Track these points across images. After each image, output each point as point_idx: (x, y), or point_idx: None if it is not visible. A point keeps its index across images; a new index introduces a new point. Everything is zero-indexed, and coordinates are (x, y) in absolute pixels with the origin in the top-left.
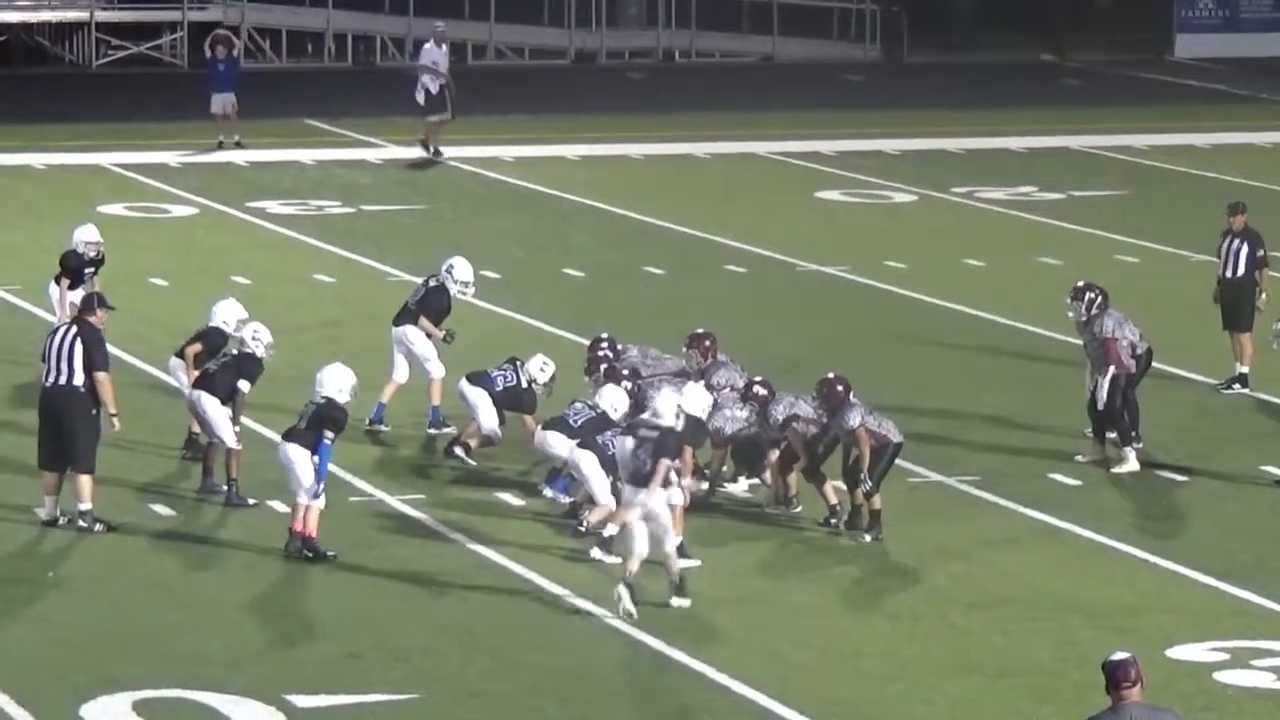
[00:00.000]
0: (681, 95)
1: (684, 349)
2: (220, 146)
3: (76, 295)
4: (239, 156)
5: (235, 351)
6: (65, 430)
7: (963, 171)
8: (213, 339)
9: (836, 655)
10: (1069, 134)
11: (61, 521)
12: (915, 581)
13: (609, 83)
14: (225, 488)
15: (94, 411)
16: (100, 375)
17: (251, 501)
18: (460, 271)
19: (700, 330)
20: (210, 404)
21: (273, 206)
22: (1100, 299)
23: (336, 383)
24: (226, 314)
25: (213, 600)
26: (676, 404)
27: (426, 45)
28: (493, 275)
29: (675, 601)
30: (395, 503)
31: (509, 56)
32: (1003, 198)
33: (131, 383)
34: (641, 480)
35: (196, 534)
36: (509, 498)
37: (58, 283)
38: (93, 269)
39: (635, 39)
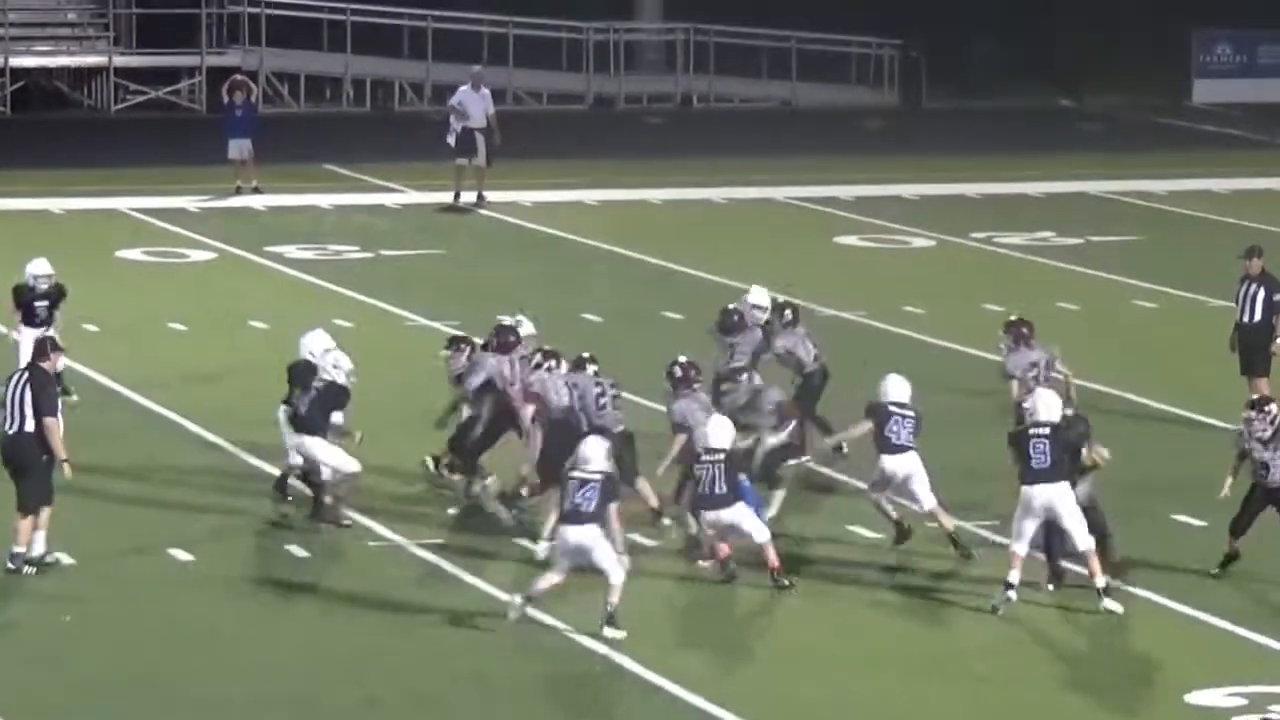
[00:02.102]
0: (700, 140)
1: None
2: (238, 191)
3: (36, 331)
4: (257, 201)
5: (319, 384)
6: (20, 477)
7: (981, 217)
8: (302, 375)
9: (856, 707)
10: (1087, 179)
11: (50, 560)
12: (931, 624)
13: (628, 127)
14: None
15: (45, 457)
16: (48, 421)
17: (346, 523)
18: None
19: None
20: (315, 444)
21: (291, 251)
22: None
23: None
24: (312, 344)
25: (231, 644)
26: (605, 448)
27: (462, 88)
28: (510, 320)
29: (608, 631)
30: (414, 548)
31: (527, 101)
32: (1021, 243)
33: (148, 427)
34: (580, 519)
35: (215, 577)
36: (527, 543)
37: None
38: (46, 302)
39: (654, 84)
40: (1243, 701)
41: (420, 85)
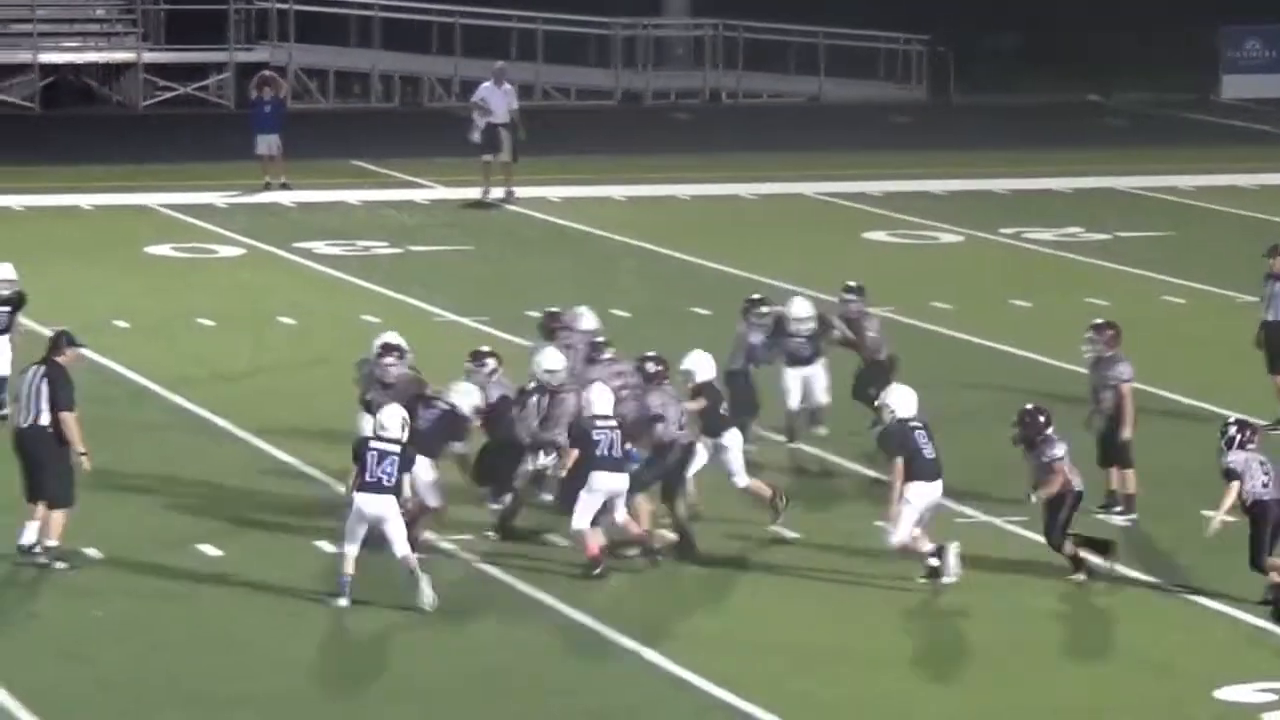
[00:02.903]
0: (728, 136)
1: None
2: (267, 187)
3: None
4: (285, 197)
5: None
6: (35, 469)
7: (1009, 212)
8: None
9: (881, 704)
10: (1115, 175)
11: (37, 552)
12: (960, 620)
13: (656, 123)
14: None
15: (63, 449)
16: (65, 415)
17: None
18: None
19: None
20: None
21: (319, 247)
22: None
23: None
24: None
25: (257, 642)
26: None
27: (485, 84)
28: (539, 316)
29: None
30: (444, 544)
31: (556, 97)
32: (1049, 238)
33: (177, 424)
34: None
35: (243, 576)
36: (556, 539)
37: None
38: (7, 307)
39: (682, 79)
40: (1273, 697)
41: (448, 81)
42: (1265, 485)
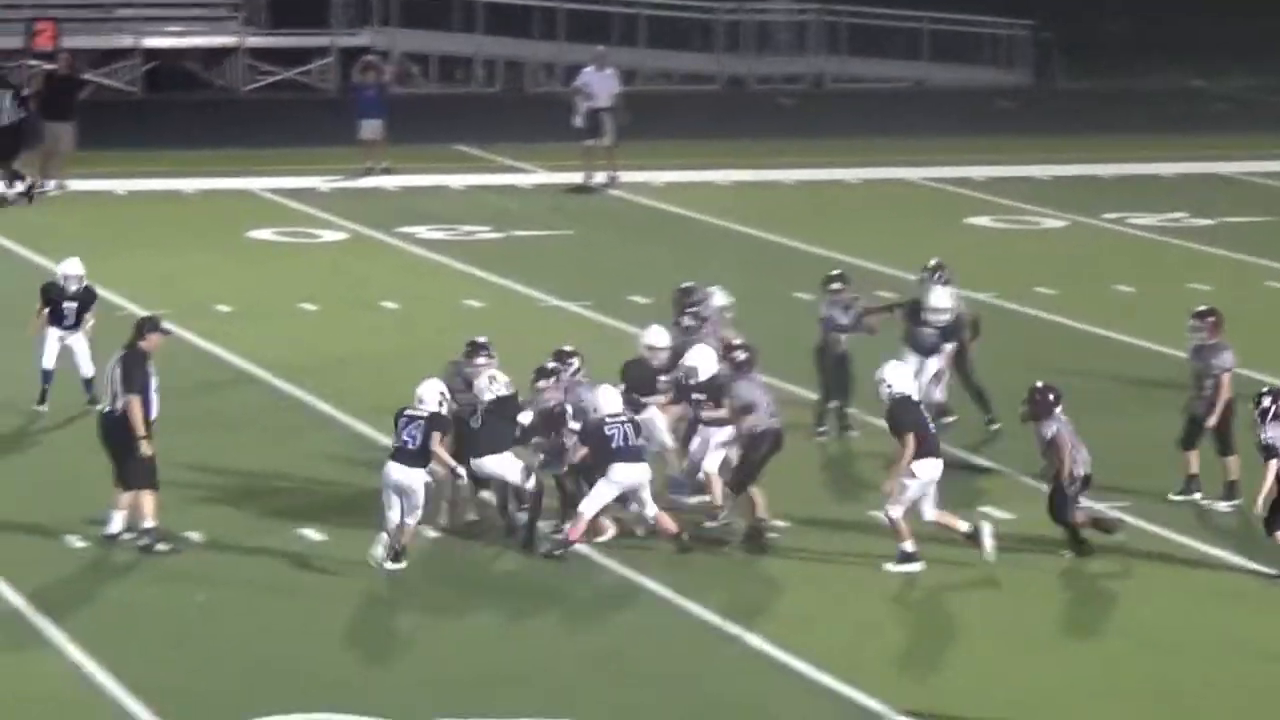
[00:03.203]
0: (832, 121)
1: None
2: (369, 172)
3: (65, 331)
4: (388, 182)
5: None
6: (118, 454)
7: (1113, 197)
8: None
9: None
10: (1220, 160)
11: (128, 537)
12: (1063, 606)
13: (759, 108)
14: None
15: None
16: (130, 398)
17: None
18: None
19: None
20: (493, 462)
21: (422, 232)
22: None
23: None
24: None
25: (361, 625)
26: (439, 390)
27: (587, 68)
28: (642, 300)
29: (389, 565)
30: (542, 525)
31: (658, 82)
32: (1153, 223)
33: (279, 408)
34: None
35: (345, 559)
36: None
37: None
38: (75, 303)
39: (786, 65)
40: None
41: (551, 66)
42: None
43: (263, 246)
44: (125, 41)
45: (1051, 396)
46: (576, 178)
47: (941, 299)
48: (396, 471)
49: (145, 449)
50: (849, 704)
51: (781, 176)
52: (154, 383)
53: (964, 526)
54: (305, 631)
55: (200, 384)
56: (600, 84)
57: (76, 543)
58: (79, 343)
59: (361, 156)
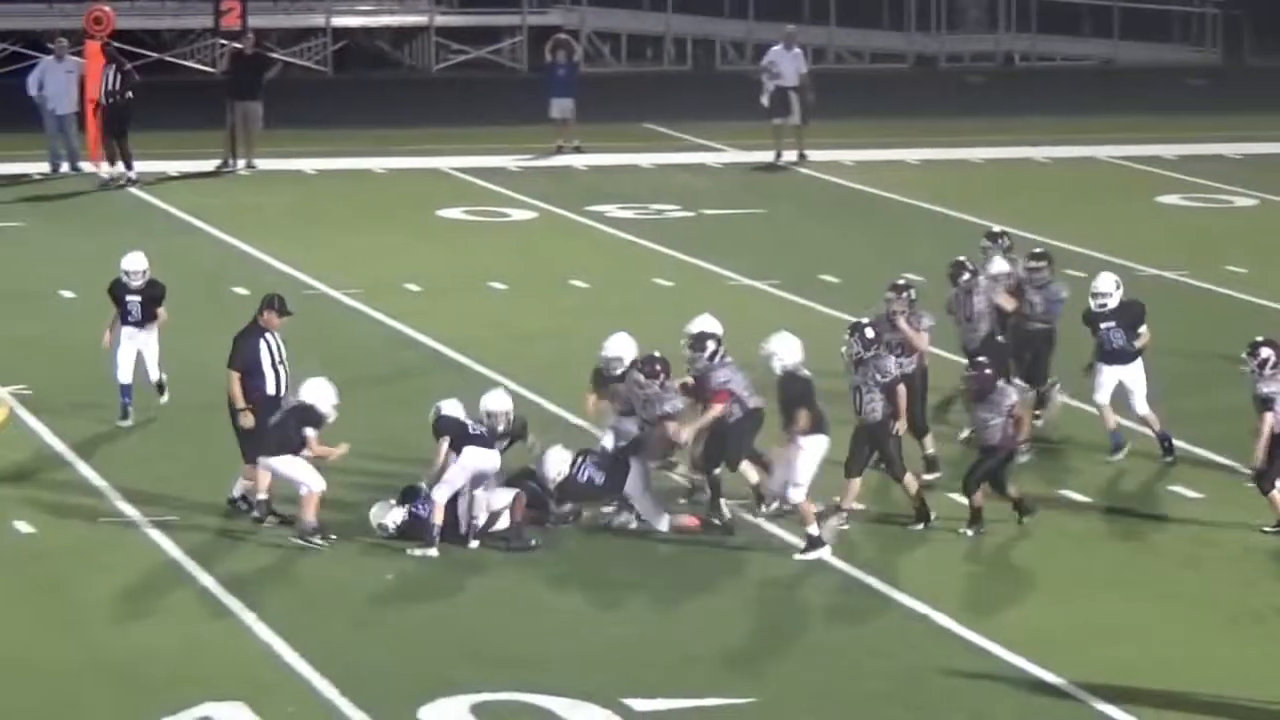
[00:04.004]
0: (1022, 99)
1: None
2: (559, 151)
3: (135, 330)
4: (578, 160)
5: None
6: (239, 430)
7: None
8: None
9: (1168, 668)
10: None
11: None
12: (1250, 586)
13: (949, 86)
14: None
15: (262, 407)
16: (229, 372)
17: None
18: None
19: None
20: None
21: (612, 210)
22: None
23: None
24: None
25: (549, 604)
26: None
27: (775, 47)
28: (832, 279)
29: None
30: (724, 505)
31: (849, 60)
32: None
33: (469, 387)
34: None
35: (533, 538)
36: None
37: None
38: (139, 298)
39: (976, 43)
40: None
41: (741, 44)
42: None
43: (452, 225)
44: (315, 21)
45: (989, 372)
46: (766, 156)
47: (1002, 267)
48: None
49: (244, 421)
50: (1033, 680)
51: (970, 155)
52: (273, 358)
53: (812, 520)
54: (491, 611)
55: (388, 363)
56: (787, 63)
57: (265, 523)
58: (149, 345)
59: (552, 135)
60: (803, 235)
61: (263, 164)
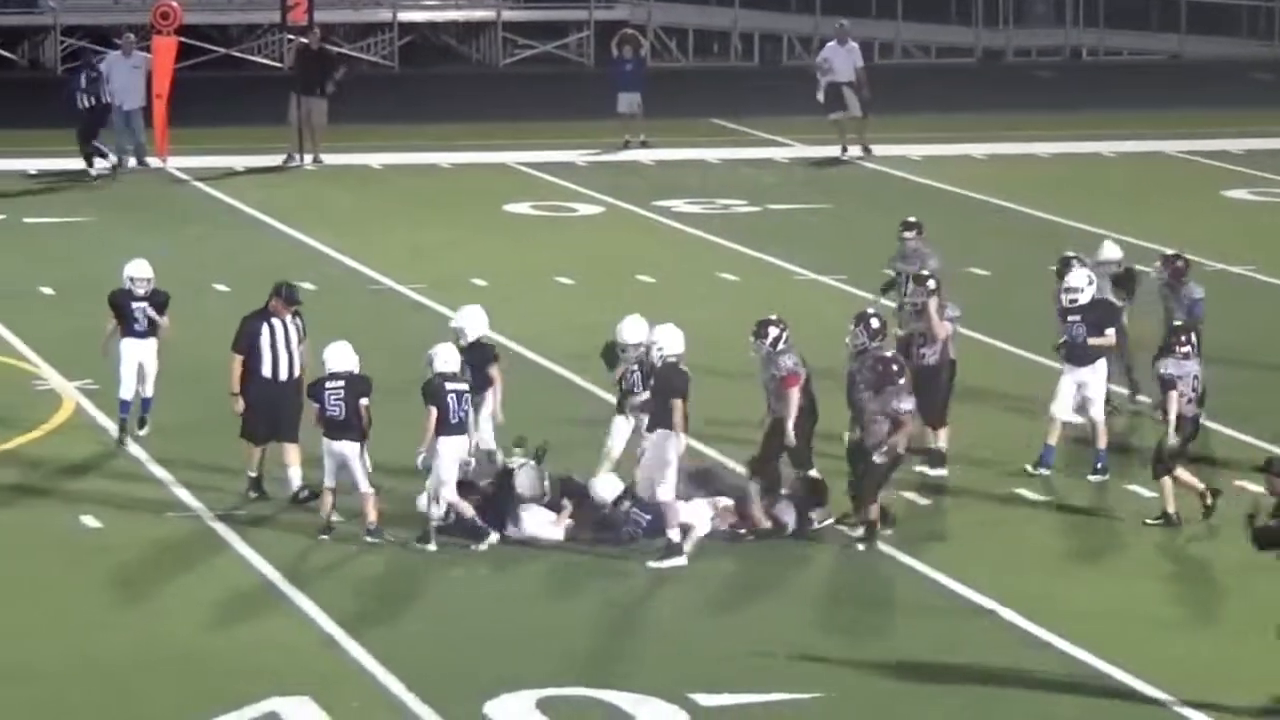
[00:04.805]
0: (1089, 93)
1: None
2: (626, 146)
3: (139, 343)
4: (644, 155)
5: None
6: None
7: None
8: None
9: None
10: None
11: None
12: None
13: (1016, 81)
14: None
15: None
16: (231, 354)
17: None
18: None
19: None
20: None
21: (678, 205)
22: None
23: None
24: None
25: (612, 599)
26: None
27: (830, 43)
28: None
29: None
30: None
31: (916, 55)
32: None
33: (536, 381)
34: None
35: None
36: (915, 497)
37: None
38: (144, 304)
39: (1043, 37)
40: None
41: (808, 39)
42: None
43: (519, 220)
44: (382, 15)
45: (895, 368)
46: (832, 151)
47: (1113, 254)
48: (462, 447)
49: (235, 406)
50: (1102, 678)
51: (1037, 149)
52: (274, 342)
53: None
54: (557, 606)
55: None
56: (841, 58)
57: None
58: (150, 360)
59: (619, 130)
60: (868, 230)
61: (329, 159)
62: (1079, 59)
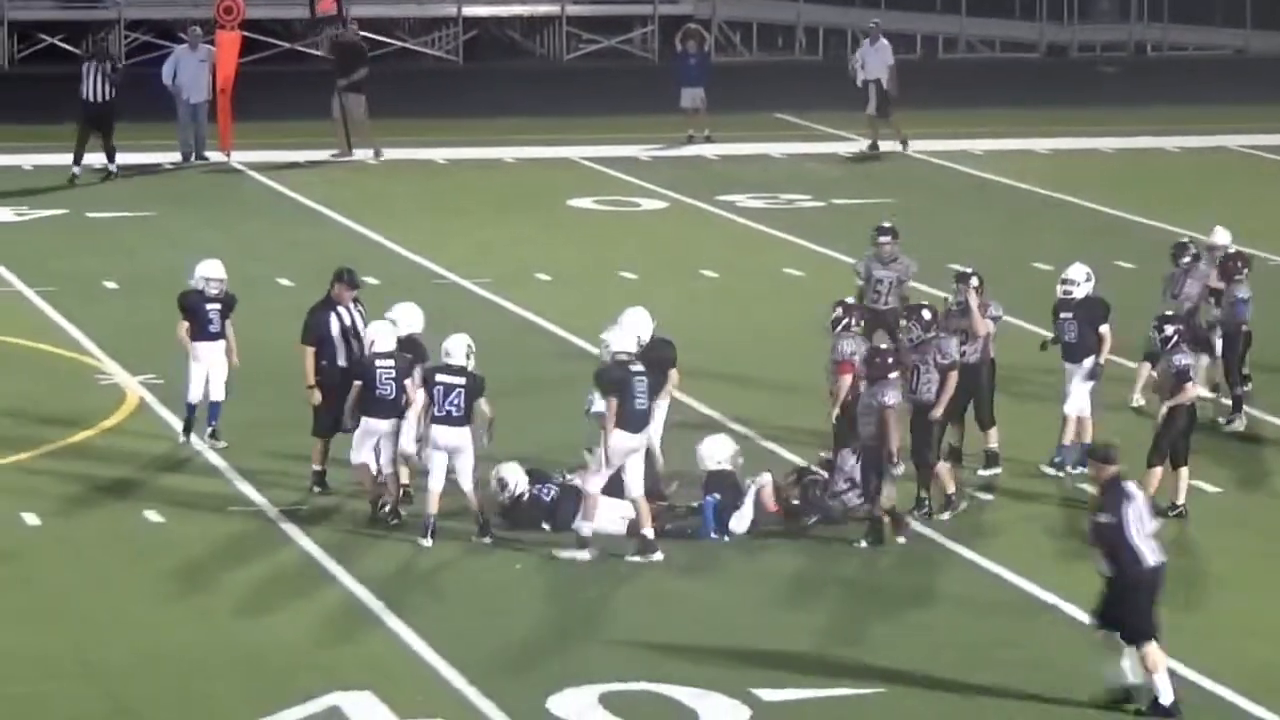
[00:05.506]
0: (1153, 89)
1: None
2: (690, 140)
3: (211, 345)
4: (708, 150)
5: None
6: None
7: None
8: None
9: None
10: None
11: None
12: None
13: (1080, 76)
14: None
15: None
16: (301, 346)
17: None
18: None
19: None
20: None
21: (742, 200)
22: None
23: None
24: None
25: (677, 595)
26: (466, 344)
27: (865, 41)
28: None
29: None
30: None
31: (980, 49)
32: None
33: None
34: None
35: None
36: (982, 495)
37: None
38: (218, 306)
39: (1107, 32)
40: None
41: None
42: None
43: (583, 215)
44: (447, 10)
45: (890, 360)
46: (895, 145)
47: (1223, 239)
48: (445, 435)
49: (312, 398)
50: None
51: (1101, 144)
52: (344, 331)
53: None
54: (619, 600)
55: (517, 351)
56: (872, 57)
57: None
58: (218, 364)
59: (682, 125)
60: (932, 224)
61: (393, 153)
62: (1143, 54)
